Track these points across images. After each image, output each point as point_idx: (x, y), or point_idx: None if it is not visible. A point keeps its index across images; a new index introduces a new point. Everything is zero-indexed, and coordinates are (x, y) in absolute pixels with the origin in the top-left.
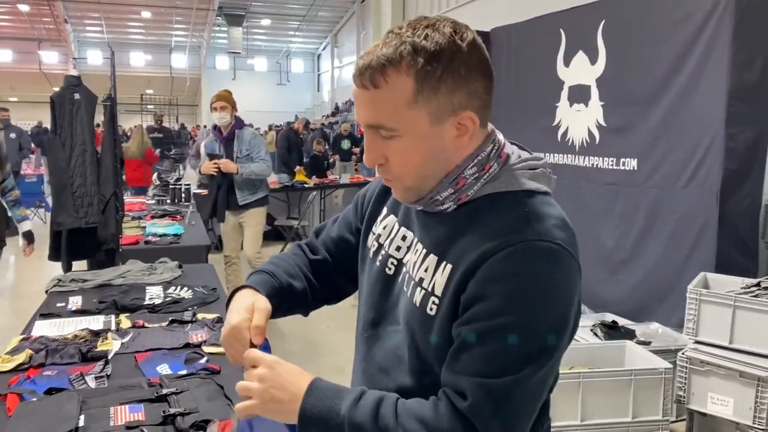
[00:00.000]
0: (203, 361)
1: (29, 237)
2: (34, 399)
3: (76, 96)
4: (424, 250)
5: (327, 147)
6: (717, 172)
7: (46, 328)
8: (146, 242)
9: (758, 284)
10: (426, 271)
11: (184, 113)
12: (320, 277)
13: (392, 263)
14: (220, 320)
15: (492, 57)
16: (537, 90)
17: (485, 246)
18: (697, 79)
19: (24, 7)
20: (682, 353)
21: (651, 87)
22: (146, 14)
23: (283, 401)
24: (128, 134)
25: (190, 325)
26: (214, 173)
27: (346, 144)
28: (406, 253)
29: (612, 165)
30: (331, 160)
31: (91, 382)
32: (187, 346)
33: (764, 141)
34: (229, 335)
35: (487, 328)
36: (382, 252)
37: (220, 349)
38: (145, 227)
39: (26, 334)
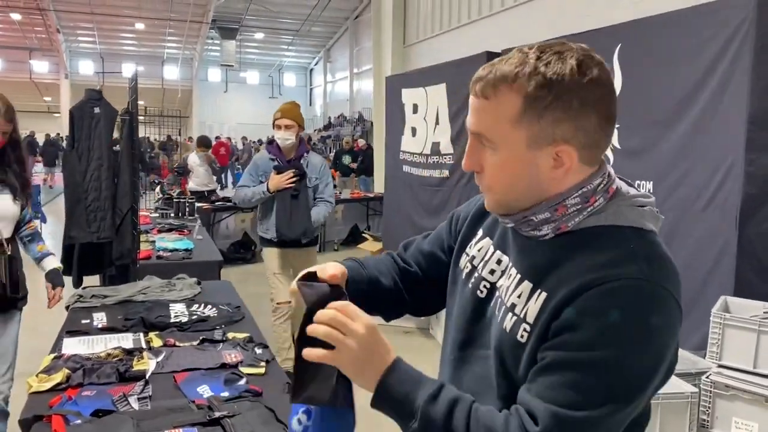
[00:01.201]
0: (243, 382)
1: (55, 278)
2: (79, 421)
3: (96, 110)
4: (519, 276)
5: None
6: (736, 196)
7: (75, 346)
8: (158, 257)
9: None
10: (519, 297)
11: (174, 126)
12: (409, 286)
13: (485, 286)
14: (251, 340)
15: None
16: None
17: (586, 277)
18: (716, 104)
19: (16, 16)
20: (706, 377)
21: (668, 111)
22: (140, 26)
23: (365, 368)
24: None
25: (221, 344)
26: (290, 185)
27: (347, 159)
28: (500, 277)
29: None
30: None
31: (135, 404)
32: (224, 366)
33: None
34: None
35: (574, 359)
36: (476, 274)
37: (259, 370)
38: (153, 241)
39: (57, 352)
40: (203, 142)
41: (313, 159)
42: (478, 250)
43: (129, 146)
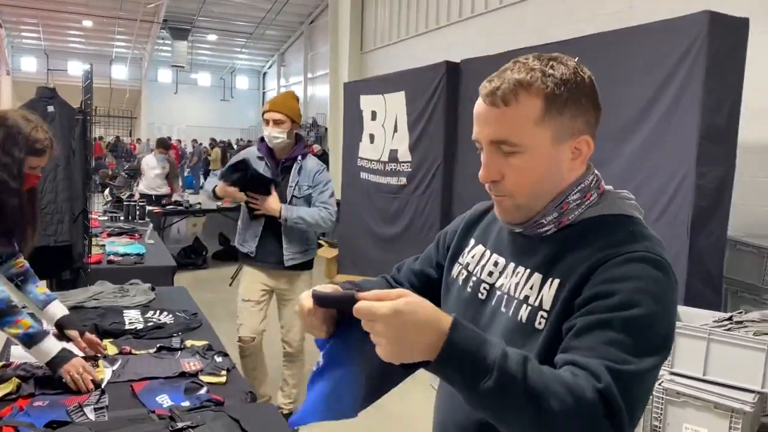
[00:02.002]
0: (204, 391)
1: (71, 325)
2: None
3: (50, 108)
4: (527, 270)
5: None
6: (688, 208)
7: (24, 354)
8: (109, 262)
9: (730, 318)
10: (531, 288)
11: (121, 126)
12: None
13: (485, 288)
14: (210, 348)
15: (462, 88)
16: None
17: (597, 256)
18: (669, 119)
19: None
20: (659, 384)
21: (623, 125)
22: (87, 23)
23: (420, 336)
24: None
25: (179, 352)
26: (253, 205)
27: None
28: (499, 277)
29: None
30: None
31: (91, 414)
32: (183, 375)
33: (730, 180)
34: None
35: (611, 319)
36: (473, 279)
37: (219, 379)
38: (103, 245)
39: (4, 360)
40: (162, 144)
41: (307, 164)
42: (472, 257)
43: (82, 147)
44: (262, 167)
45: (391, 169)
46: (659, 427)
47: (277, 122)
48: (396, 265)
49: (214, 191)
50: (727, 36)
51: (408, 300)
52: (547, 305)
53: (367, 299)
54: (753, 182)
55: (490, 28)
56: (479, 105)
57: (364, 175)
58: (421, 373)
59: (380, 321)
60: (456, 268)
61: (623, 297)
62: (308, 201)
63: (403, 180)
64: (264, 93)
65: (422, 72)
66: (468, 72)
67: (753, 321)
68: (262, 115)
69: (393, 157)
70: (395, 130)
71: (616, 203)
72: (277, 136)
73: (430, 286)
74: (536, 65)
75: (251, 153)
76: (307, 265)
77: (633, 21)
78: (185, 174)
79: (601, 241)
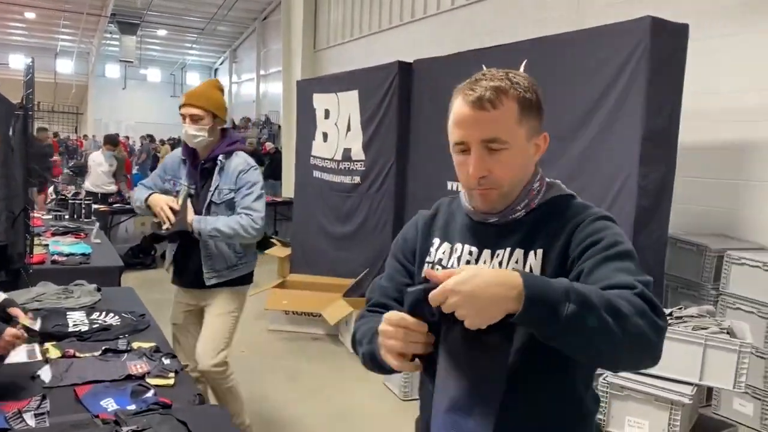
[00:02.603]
0: (151, 394)
1: (12, 304)
2: None
3: None
4: (508, 249)
5: None
6: (631, 207)
7: None
8: (53, 262)
9: (670, 314)
10: (517, 262)
11: (66, 122)
12: None
13: None
14: (158, 350)
15: (414, 88)
16: None
17: (572, 222)
18: (612, 122)
19: None
20: (603, 378)
21: (569, 127)
22: (30, 15)
23: (494, 292)
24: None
25: (125, 354)
26: (165, 221)
27: None
28: (476, 263)
29: None
30: None
31: (31, 420)
32: (129, 377)
33: (671, 181)
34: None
35: (610, 255)
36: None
37: (167, 381)
38: (47, 245)
39: None
40: (110, 140)
41: (231, 163)
42: (443, 253)
43: (23, 143)
44: (184, 173)
45: (345, 167)
46: (603, 421)
47: (194, 118)
48: (367, 295)
49: (146, 201)
50: (668, 41)
51: (467, 267)
52: (537, 271)
53: (438, 279)
54: (692, 182)
55: (440, 29)
56: (465, 111)
57: (317, 173)
58: (367, 371)
59: (453, 294)
60: (426, 268)
61: (608, 240)
62: (231, 206)
63: (357, 179)
64: None
65: (375, 71)
66: (420, 72)
67: (692, 316)
68: (179, 109)
69: (346, 155)
70: (348, 129)
71: (561, 188)
72: (195, 134)
73: None
74: (501, 75)
75: (174, 157)
76: (238, 282)
77: (579, 25)
78: (134, 172)
79: (566, 213)
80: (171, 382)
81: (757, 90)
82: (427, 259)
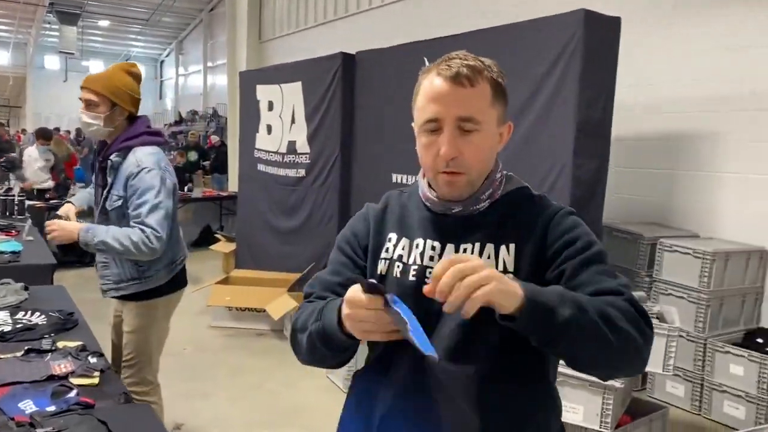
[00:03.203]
0: (73, 394)
1: None
2: None
3: None
4: (477, 244)
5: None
6: (566, 197)
7: None
8: None
9: None
10: (489, 257)
11: (2, 116)
12: None
13: (430, 272)
14: (84, 349)
15: (357, 80)
16: (401, 114)
17: (542, 216)
18: (548, 113)
19: None
20: None
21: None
22: None
23: (509, 282)
24: None
25: (49, 354)
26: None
27: (193, 155)
28: (439, 260)
29: None
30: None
31: None
32: (52, 378)
33: (604, 171)
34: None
35: (590, 256)
36: (414, 267)
37: (92, 380)
38: None
39: None
40: (42, 134)
41: (125, 163)
42: (402, 249)
43: None
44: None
45: (290, 160)
46: None
47: (88, 104)
48: (306, 290)
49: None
50: (601, 33)
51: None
52: (510, 267)
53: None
54: (627, 173)
55: (385, 21)
56: (441, 86)
57: (261, 167)
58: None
59: (482, 267)
60: (382, 264)
61: (583, 240)
62: (124, 216)
63: (302, 172)
64: (162, 82)
65: (318, 62)
66: (363, 64)
67: None
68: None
69: (291, 148)
70: (293, 121)
71: (518, 180)
72: (89, 122)
73: None
74: (473, 57)
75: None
76: (144, 296)
77: (520, 17)
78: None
79: (531, 207)
80: (96, 381)
81: (688, 82)
82: (384, 255)
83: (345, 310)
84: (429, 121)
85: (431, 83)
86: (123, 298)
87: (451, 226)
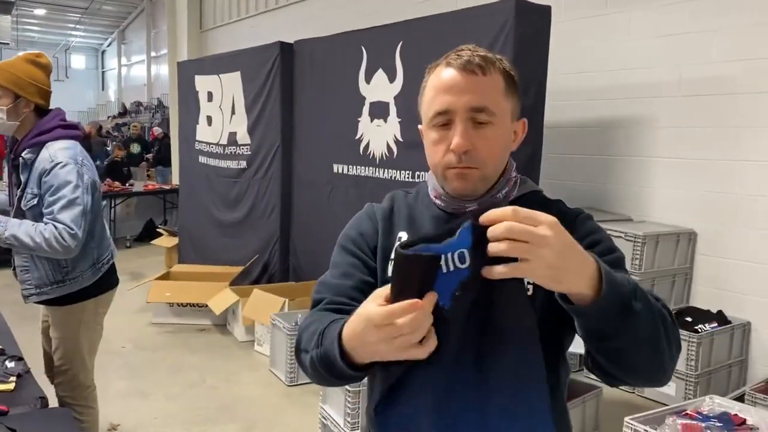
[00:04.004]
0: None
1: None
2: None
3: None
4: None
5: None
6: None
7: None
8: None
9: None
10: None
11: None
12: None
13: None
14: (2, 352)
15: (296, 69)
16: (341, 104)
17: (563, 220)
18: None
19: None
20: None
21: None
22: None
23: (584, 257)
24: None
25: None
26: None
27: (135, 147)
28: None
29: (408, 177)
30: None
31: None
32: None
33: (538, 158)
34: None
35: (614, 260)
36: None
37: (7, 386)
38: None
39: None
40: None
41: (39, 158)
42: None
43: None
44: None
45: (231, 152)
46: None
47: None
48: (315, 296)
49: None
50: (531, 22)
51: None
52: None
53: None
54: (563, 159)
55: (324, 10)
56: (452, 76)
57: (203, 159)
58: (258, 357)
59: (546, 224)
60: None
61: (605, 244)
62: (42, 216)
63: (243, 164)
64: (104, 72)
65: (257, 52)
66: (301, 53)
67: None
68: None
69: (232, 140)
70: (233, 112)
71: (531, 183)
72: None
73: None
74: (481, 49)
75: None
76: (69, 300)
77: (457, 6)
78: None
79: (547, 209)
80: (11, 387)
81: (621, 69)
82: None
83: (356, 328)
84: (439, 114)
85: (439, 75)
86: (47, 303)
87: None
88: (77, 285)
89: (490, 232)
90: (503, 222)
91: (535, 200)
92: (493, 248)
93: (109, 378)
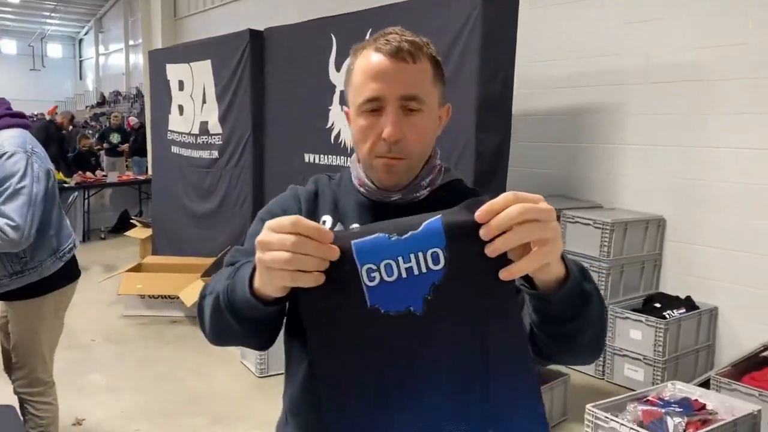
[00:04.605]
0: None
1: None
2: None
3: None
4: None
5: (95, 142)
6: (469, 173)
7: None
8: None
9: None
10: None
11: None
12: None
13: None
14: None
15: (267, 57)
16: (311, 92)
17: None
18: (451, 90)
19: None
20: None
21: None
22: None
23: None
24: None
25: None
26: None
27: (115, 138)
28: None
29: None
30: (100, 157)
31: None
32: None
33: (506, 146)
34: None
35: None
36: None
37: None
38: None
39: None
40: None
41: None
42: None
43: None
44: None
45: (203, 142)
46: None
47: None
48: (230, 259)
49: None
50: (499, 10)
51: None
52: None
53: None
54: (531, 147)
55: None
56: (382, 62)
57: (175, 149)
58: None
59: (541, 198)
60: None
61: None
62: None
63: (215, 153)
64: (81, 61)
65: (227, 40)
66: (272, 40)
67: None
68: None
69: (203, 129)
70: (204, 101)
71: (454, 172)
72: None
73: None
74: (408, 32)
75: None
76: (28, 293)
77: None
78: None
79: (466, 196)
80: None
81: (590, 57)
82: None
83: (258, 254)
84: (369, 100)
85: (369, 60)
86: (6, 297)
87: (388, 214)
88: (37, 275)
89: (498, 221)
90: (514, 206)
91: (458, 189)
92: (509, 238)
93: (77, 372)
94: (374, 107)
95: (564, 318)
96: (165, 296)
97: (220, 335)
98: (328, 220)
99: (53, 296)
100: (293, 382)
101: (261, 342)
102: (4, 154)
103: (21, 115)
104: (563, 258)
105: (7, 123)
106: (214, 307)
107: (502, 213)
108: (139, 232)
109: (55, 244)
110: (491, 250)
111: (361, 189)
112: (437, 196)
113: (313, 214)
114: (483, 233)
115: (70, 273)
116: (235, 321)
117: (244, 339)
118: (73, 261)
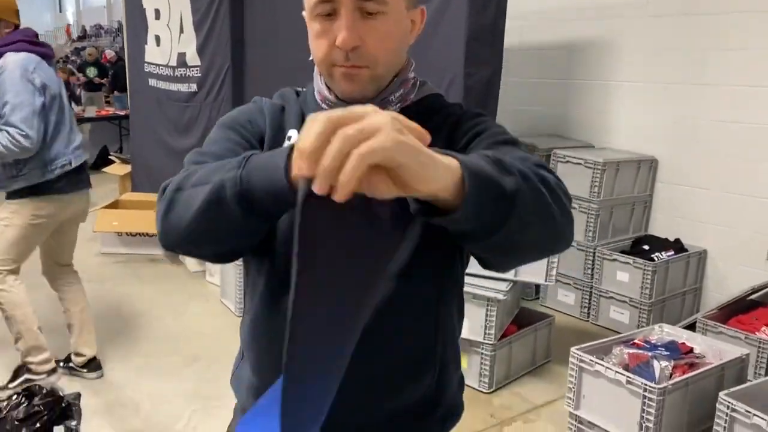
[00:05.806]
0: None
1: None
2: None
3: None
4: None
5: (75, 76)
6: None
7: None
8: None
9: None
10: None
11: None
12: None
13: None
14: None
15: None
16: (295, 24)
17: (450, 118)
18: (438, 22)
19: None
20: None
21: None
22: None
23: (438, 155)
24: None
25: None
26: None
27: (92, 72)
28: None
29: None
30: (77, 92)
31: None
32: None
33: (497, 81)
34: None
35: (501, 139)
36: None
37: None
38: None
39: None
40: None
41: None
42: None
43: None
44: None
45: (181, 74)
46: None
47: None
48: (194, 158)
49: None
50: None
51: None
52: None
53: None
54: (523, 84)
55: None
56: None
57: (152, 81)
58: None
59: (382, 126)
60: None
61: (493, 129)
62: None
63: (194, 87)
64: None
65: None
66: None
67: None
68: None
69: (181, 61)
70: (181, 31)
71: (431, 86)
72: None
73: None
74: None
75: None
76: (18, 194)
77: None
78: None
79: (441, 112)
80: None
81: None
82: None
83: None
84: (321, 2)
85: None
86: (8, 197)
87: None
88: (24, 181)
89: (324, 160)
90: (331, 145)
91: (434, 104)
92: (344, 182)
93: (50, 311)
94: (328, 10)
95: (486, 231)
96: (144, 234)
97: (196, 233)
98: (293, 134)
99: (31, 202)
100: (248, 313)
101: (238, 247)
102: (6, 70)
103: (41, 44)
104: (461, 162)
105: (20, 48)
106: (206, 200)
107: (322, 159)
108: (118, 169)
109: (47, 156)
110: (339, 196)
111: (323, 105)
112: (408, 112)
113: (279, 129)
114: (316, 189)
115: (59, 187)
116: (242, 215)
117: (229, 239)
118: (66, 177)
